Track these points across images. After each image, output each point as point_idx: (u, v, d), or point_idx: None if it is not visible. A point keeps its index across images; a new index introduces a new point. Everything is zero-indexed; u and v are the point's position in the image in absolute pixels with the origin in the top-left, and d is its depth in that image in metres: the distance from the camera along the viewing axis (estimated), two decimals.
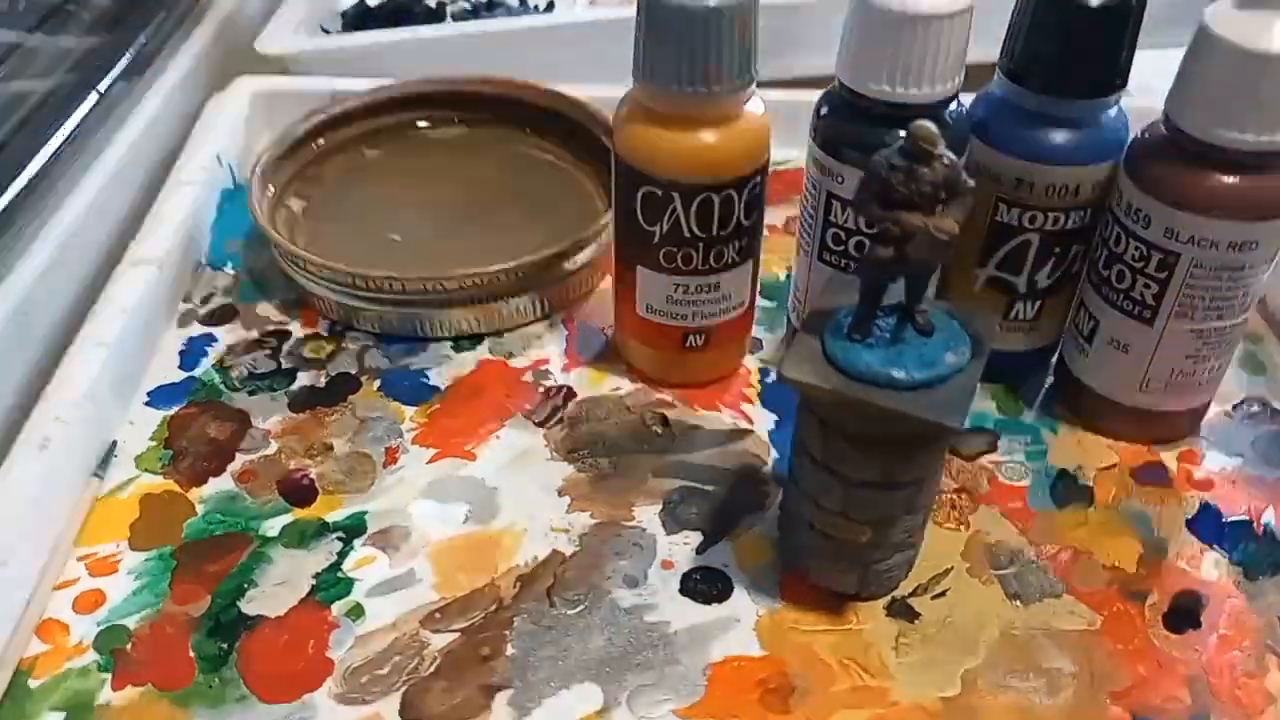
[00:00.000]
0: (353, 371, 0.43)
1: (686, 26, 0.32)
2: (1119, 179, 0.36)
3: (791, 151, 0.48)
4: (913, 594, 0.34)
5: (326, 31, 0.64)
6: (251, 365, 0.43)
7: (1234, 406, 0.41)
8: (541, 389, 0.42)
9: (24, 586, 0.33)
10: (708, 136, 0.35)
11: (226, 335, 0.44)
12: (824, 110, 0.37)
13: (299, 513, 0.37)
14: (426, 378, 0.42)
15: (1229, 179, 0.33)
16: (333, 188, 0.51)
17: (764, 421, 0.40)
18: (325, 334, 0.45)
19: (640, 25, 0.33)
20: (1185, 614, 0.34)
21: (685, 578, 0.35)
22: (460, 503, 0.37)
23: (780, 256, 0.48)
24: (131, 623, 0.33)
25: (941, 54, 0.33)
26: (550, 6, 0.66)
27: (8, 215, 0.42)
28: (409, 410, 0.41)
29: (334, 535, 0.36)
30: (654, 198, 0.36)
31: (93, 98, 0.49)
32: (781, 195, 0.51)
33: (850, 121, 0.35)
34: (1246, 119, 0.32)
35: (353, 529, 0.36)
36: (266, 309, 0.46)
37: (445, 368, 0.43)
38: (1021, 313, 0.39)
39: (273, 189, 0.49)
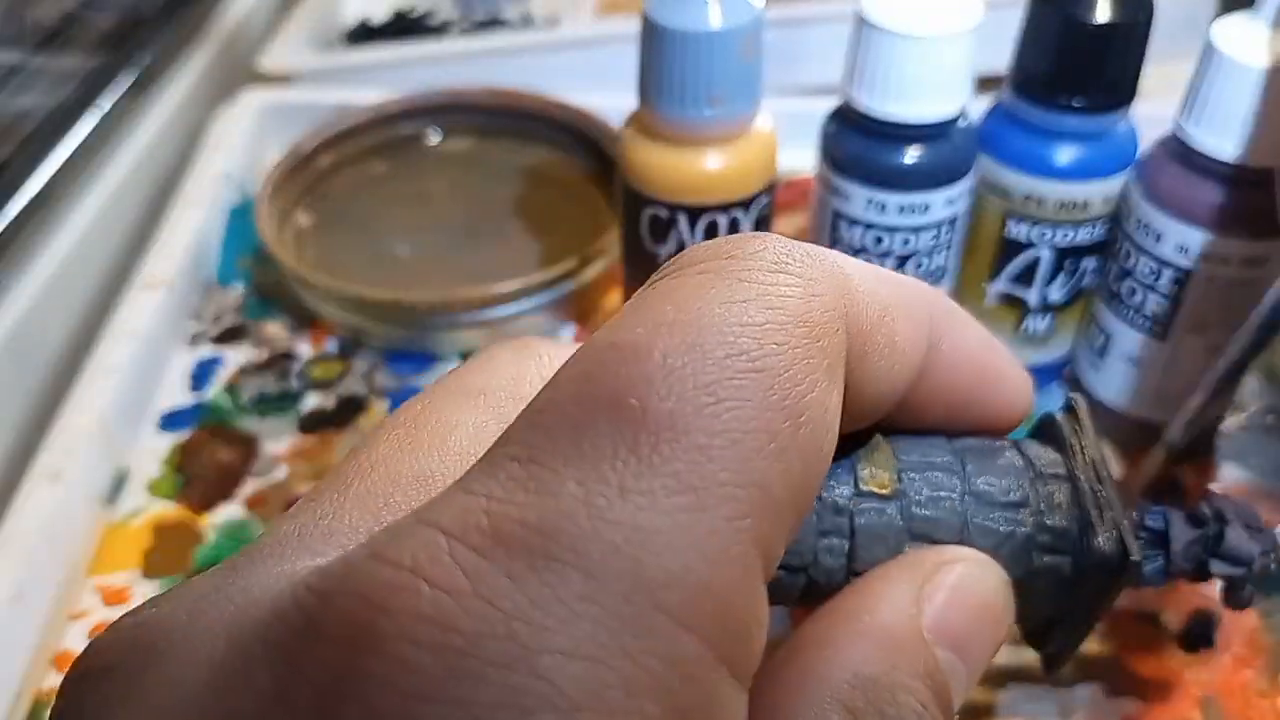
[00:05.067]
0: (361, 392, 0.43)
1: (690, 50, 0.32)
2: (1130, 194, 0.36)
3: (804, 160, 0.48)
4: None
5: (329, 48, 0.64)
6: (261, 387, 0.43)
7: (1249, 417, 0.41)
8: None
9: (39, 618, 0.34)
10: (712, 157, 0.35)
11: (236, 356, 0.44)
12: (831, 129, 0.36)
13: None
14: None
15: (1241, 195, 0.33)
16: (341, 202, 0.51)
17: None
18: (334, 353, 0.45)
19: (644, 49, 0.33)
20: (1199, 634, 0.34)
21: None
22: None
23: None
24: None
25: (945, 74, 0.33)
26: (556, 21, 0.65)
27: (9, 234, 0.42)
28: None
29: None
30: (659, 219, 0.36)
31: (94, 116, 0.49)
32: (794, 204, 0.51)
33: (856, 140, 0.35)
34: (1257, 135, 0.32)
35: None
36: (275, 328, 0.46)
37: None
38: (1033, 327, 0.39)
39: (281, 204, 0.49)
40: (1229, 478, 0.39)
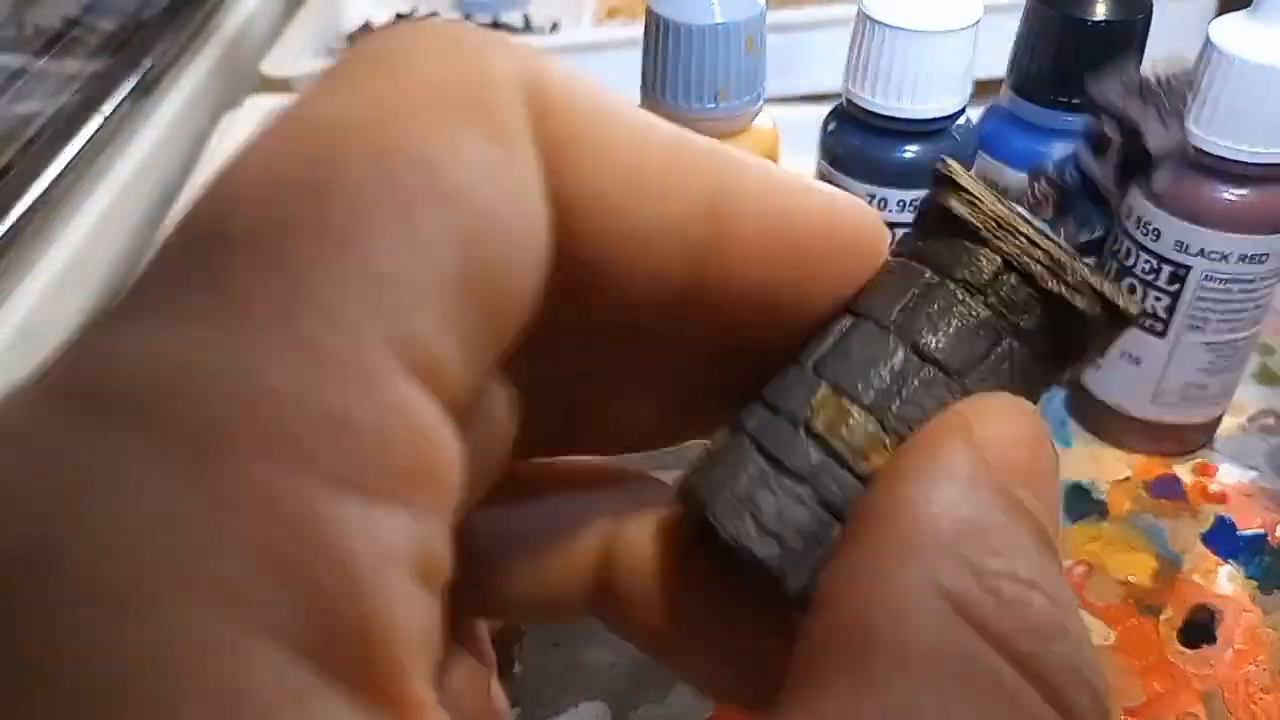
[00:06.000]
0: None
1: (694, 44, 0.32)
2: (1128, 192, 0.36)
3: (803, 164, 0.48)
4: None
5: (333, 54, 0.64)
6: None
7: (1248, 419, 0.41)
8: None
9: None
10: None
11: None
12: (831, 126, 0.37)
13: None
14: None
15: (1239, 191, 0.33)
16: None
17: None
18: None
19: (648, 43, 0.34)
20: (1200, 629, 0.34)
21: None
22: None
23: None
24: None
25: (946, 69, 0.33)
26: (555, 27, 0.66)
27: (15, 235, 0.42)
28: None
29: None
30: None
31: (97, 120, 0.49)
32: None
33: (857, 137, 0.35)
34: (1256, 132, 0.32)
35: None
36: None
37: None
38: None
39: None
40: (1230, 479, 0.39)
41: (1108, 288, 0.14)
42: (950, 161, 0.15)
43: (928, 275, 0.15)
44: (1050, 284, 0.14)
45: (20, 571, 0.09)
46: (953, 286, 0.15)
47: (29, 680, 0.08)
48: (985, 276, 0.15)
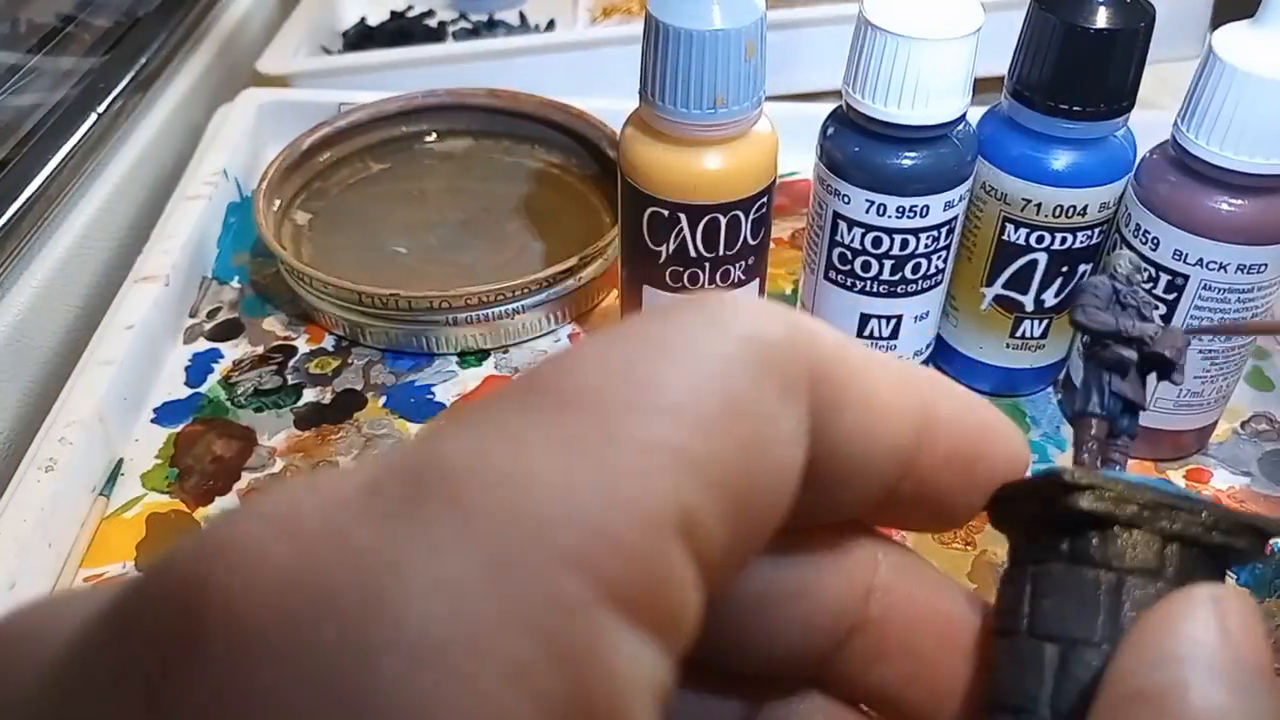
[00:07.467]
0: (358, 388, 0.43)
1: (694, 50, 0.32)
2: (1127, 200, 0.36)
3: (799, 162, 0.48)
4: None
5: (328, 51, 0.64)
6: (258, 381, 0.43)
7: (1242, 424, 0.41)
8: None
9: None
10: (714, 157, 0.35)
11: (232, 351, 0.44)
12: (830, 130, 0.37)
13: None
14: (432, 394, 0.42)
15: (1238, 202, 0.33)
16: (339, 201, 0.51)
17: None
18: (331, 349, 0.45)
19: (647, 47, 0.33)
20: None
21: None
22: None
23: (787, 271, 0.48)
24: None
25: (946, 76, 0.33)
26: (551, 25, 0.66)
27: (11, 229, 0.42)
28: (414, 427, 0.41)
29: None
30: (660, 218, 0.36)
31: (92, 117, 0.49)
32: (788, 208, 0.51)
33: (856, 142, 0.35)
34: (1255, 142, 0.32)
35: None
36: (272, 323, 0.46)
37: (451, 384, 0.43)
38: (1029, 331, 0.39)
39: (279, 202, 0.49)
40: (1223, 484, 0.39)
41: (1246, 519, 0.15)
42: (1070, 470, 0.16)
43: (1105, 575, 0.15)
44: (1215, 538, 0.15)
45: (348, 614, 0.10)
46: (1134, 580, 0.15)
47: (341, 705, 0.10)
48: (1152, 557, 0.15)
